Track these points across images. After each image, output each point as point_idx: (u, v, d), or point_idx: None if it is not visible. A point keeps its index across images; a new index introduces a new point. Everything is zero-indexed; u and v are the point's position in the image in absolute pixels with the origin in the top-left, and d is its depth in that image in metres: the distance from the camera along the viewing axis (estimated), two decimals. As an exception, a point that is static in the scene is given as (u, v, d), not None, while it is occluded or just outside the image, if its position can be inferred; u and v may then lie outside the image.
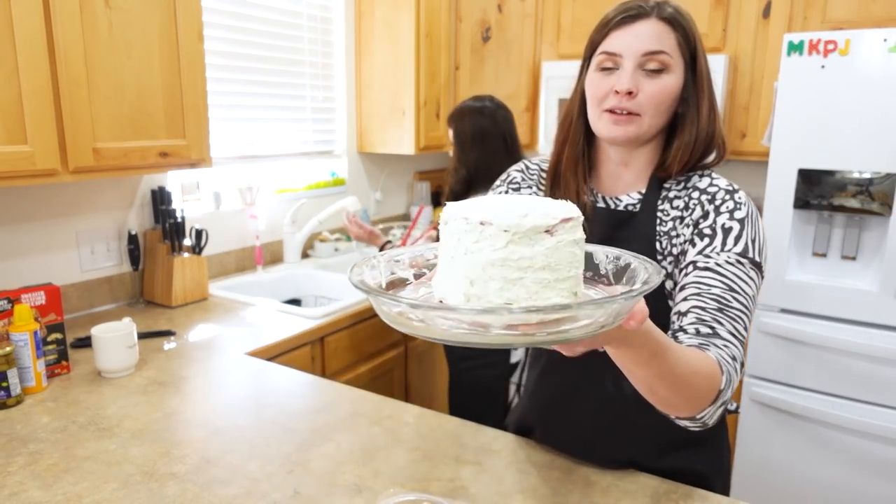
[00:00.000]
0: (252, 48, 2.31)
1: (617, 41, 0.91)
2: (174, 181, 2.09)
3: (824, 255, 1.92)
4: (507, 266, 0.50)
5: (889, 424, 1.80)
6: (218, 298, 2.04)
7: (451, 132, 2.07)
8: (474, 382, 2.05)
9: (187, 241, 1.98)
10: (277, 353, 1.66)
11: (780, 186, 1.90)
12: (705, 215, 0.91)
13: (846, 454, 1.88)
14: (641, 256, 0.61)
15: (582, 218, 0.54)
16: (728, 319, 0.82)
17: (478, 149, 1.99)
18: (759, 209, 2.13)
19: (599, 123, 0.94)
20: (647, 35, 0.89)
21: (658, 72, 0.90)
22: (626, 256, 0.62)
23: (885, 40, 1.69)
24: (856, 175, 1.78)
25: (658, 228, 0.94)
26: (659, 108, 0.91)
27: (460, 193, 1.98)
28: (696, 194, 0.94)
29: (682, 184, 0.96)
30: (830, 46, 1.76)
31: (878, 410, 1.82)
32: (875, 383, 1.83)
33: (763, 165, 2.37)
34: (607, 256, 0.64)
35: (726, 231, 0.88)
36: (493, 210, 0.52)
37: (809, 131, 1.83)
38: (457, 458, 1.06)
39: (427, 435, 1.14)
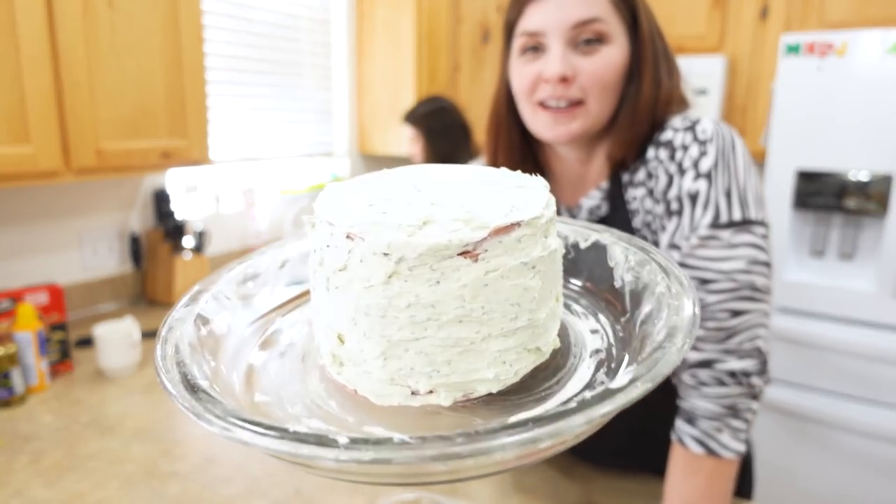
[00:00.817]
0: (253, 49, 2.32)
1: (536, 16, 0.73)
2: (176, 182, 2.10)
3: (822, 256, 1.92)
4: (389, 318, 0.29)
5: (886, 423, 1.80)
6: (219, 298, 2.04)
7: (414, 131, 2.21)
8: None
9: (189, 242, 1.99)
10: (278, 353, 1.67)
11: (778, 187, 1.90)
12: (670, 181, 0.73)
13: (844, 453, 1.89)
14: (676, 269, 0.37)
15: (549, 214, 0.32)
16: (702, 326, 0.68)
17: (445, 142, 2.18)
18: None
19: (535, 122, 0.76)
20: (570, 2, 0.71)
21: (595, 44, 0.72)
22: (652, 268, 0.37)
23: (882, 41, 1.70)
24: (853, 176, 1.78)
25: (635, 224, 0.77)
26: (605, 89, 0.73)
27: None
28: (651, 152, 0.76)
29: (639, 158, 0.80)
30: (827, 47, 1.77)
31: (876, 410, 1.83)
32: (872, 382, 1.83)
33: (761, 166, 2.38)
34: (627, 259, 0.39)
35: (693, 199, 0.71)
36: (376, 211, 0.30)
37: (807, 132, 1.84)
38: (456, 457, 1.07)
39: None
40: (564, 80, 0.71)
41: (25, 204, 1.71)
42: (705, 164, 0.71)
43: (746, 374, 0.70)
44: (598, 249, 0.42)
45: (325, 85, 2.67)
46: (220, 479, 1.00)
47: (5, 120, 1.32)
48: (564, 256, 0.38)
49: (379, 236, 0.28)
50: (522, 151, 0.83)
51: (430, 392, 0.29)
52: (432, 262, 0.28)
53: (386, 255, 0.28)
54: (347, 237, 0.29)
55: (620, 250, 0.40)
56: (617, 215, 0.78)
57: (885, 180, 1.74)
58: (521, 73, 0.75)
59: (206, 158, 1.77)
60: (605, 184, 0.80)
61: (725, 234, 0.69)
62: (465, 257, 0.28)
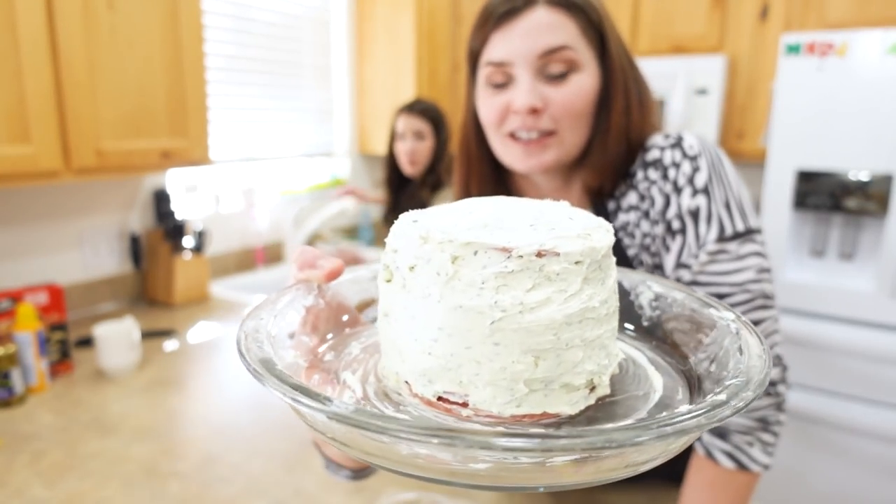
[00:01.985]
0: (254, 50, 2.32)
1: (501, 46, 0.70)
2: (176, 182, 2.10)
3: (822, 256, 1.92)
4: (586, 320, 0.32)
5: (887, 423, 1.80)
6: (219, 298, 2.05)
7: (426, 126, 2.09)
8: None
9: (189, 242, 1.99)
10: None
11: (778, 187, 1.90)
12: (667, 201, 0.72)
13: (844, 453, 1.89)
14: (721, 304, 0.39)
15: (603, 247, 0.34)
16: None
17: (448, 144, 2.13)
18: (756, 208, 2.13)
19: (506, 154, 0.73)
20: (537, 30, 0.68)
21: (563, 75, 0.69)
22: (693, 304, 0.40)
23: (882, 41, 1.70)
24: (853, 176, 1.78)
25: (629, 251, 0.75)
26: (578, 119, 0.71)
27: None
28: (640, 174, 0.74)
29: (621, 181, 0.78)
30: (827, 47, 1.77)
31: (876, 410, 1.83)
32: (872, 382, 1.83)
33: (761, 166, 2.38)
34: (657, 296, 0.43)
35: (694, 216, 0.70)
36: (539, 230, 0.33)
37: (807, 132, 1.84)
38: (456, 457, 1.07)
39: (426, 433, 1.15)
40: (534, 111, 0.69)
41: (25, 204, 1.71)
42: (700, 180, 0.70)
43: (773, 384, 0.71)
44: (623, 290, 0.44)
45: (325, 85, 2.67)
46: (220, 479, 1.00)
47: (5, 120, 1.32)
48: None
49: (570, 246, 0.32)
50: (495, 183, 0.80)
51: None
52: (602, 263, 0.33)
53: (578, 263, 0.32)
54: (538, 255, 0.31)
55: (649, 296, 0.44)
56: None
57: (886, 180, 1.74)
58: (489, 105, 0.72)
59: (206, 158, 1.77)
60: (590, 210, 0.77)
61: (732, 246, 0.69)
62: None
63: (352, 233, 2.89)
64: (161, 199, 1.99)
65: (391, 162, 2.20)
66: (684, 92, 2.16)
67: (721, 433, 0.72)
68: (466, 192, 0.82)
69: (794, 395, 1.94)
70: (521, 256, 0.31)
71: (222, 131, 2.22)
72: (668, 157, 0.72)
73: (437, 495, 0.94)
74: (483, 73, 0.73)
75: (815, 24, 2.06)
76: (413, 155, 2.09)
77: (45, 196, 1.75)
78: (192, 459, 1.06)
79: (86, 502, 0.94)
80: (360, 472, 0.69)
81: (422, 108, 2.11)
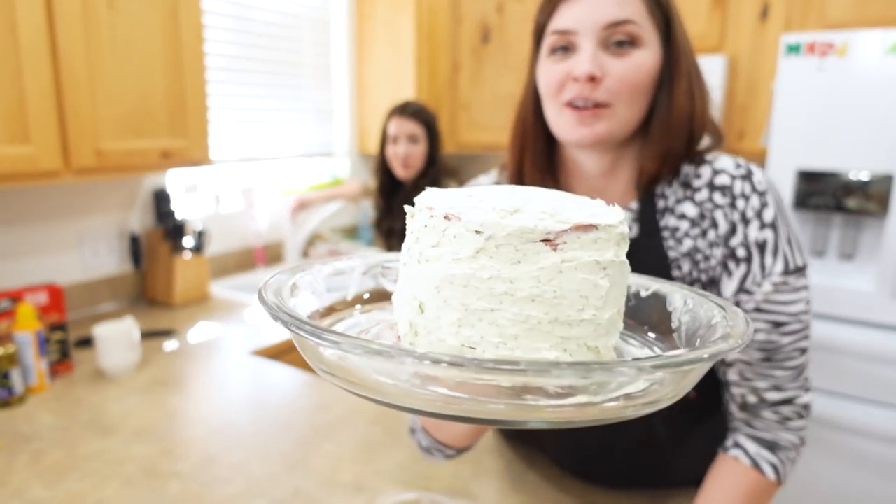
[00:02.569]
0: (253, 50, 2.32)
1: (568, 15, 0.71)
2: (176, 182, 2.10)
3: (822, 256, 1.92)
4: (470, 288, 0.33)
5: (886, 423, 1.80)
6: (219, 298, 2.04)
7: (420, 129, 2.07)
8: None
9: (189, 242, 1.99)
10: (278, 353, 1.67)
11: (779, 187, 1.90)
12: (733, 229, 0.74)
13: (844, 453, 1.89)
14: (726, 302, 0.42)
15: (622, 229, 0.36)
16: (778, 367, 0.74)
17: (440, 147, 2.12)
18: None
19: (560, 123, 0.74)
20: (604, 2, 0.70)
21: (627, 46, 0.70)
22: (710, 307, 0.41)
23: (882, 41, 1.70)
24: (853, 176, 1.78)
25: (670, 253, 0.76)
26: (634, 93, 0.71)
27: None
28: (705, 193, 0.75)
29: (674, 181, 0.78)
30: (828, 47, 1.76)
31: (876, 410, 1.83)
32: (872, 382, 1.83)
33: (761, 166, 2.38)
34: (686, 302, 0.43)
35: (761, 248, 0.73)
36: (473, 200, 0.36)
37: (807, 132, 1.84)
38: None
39: (427, 434, 1.15)
40: (593, 79, 0.70)
41: (25, 204, 1.71)
42: (768, 216, 0.74)
43: (809, 406, 0.77)
44: (658, 298, 0.46)
45: (325, 85, 2.67)
46: (220, 479, 1.00)
47: (5, 120, 1.32)
48: (626, 304, 0.41)
49: (474, 216, 0.33)
50: (547, 161, 0.81)
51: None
52: (517, 244, 0.33)
53: (478, 232, 0.33)
54: (445, 217, 0.34)
55: (680, 297, 0.44)
56: (648, 241, 0.76)
57: (886, 180, 1.74)
58: (549, 72, 0.74)
59: (206, 158, 1.77)
60: (634, 205, 0.78)
61: (792, 279, 0.73)
62: (546, 245, 0.33)
63: (352, 233, 2.89)
64: (161, 199, 1.99)
65: (383, 165, 2.15)
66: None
67: (771, 447, 0.76)
68: (519, 167, 0.83)
69: (794, 396, 1.94)
70: (433, 216, 0.35)
71: (222, 131, 2.22)
72: (739, 187, 0.75)
73: (437, 495, 0.94)
74: (548, 41, 0.74)
75: (815, 24, 2.06)
76: (407, 158, 2.05)
77: (44, 196, 1.75)
78: (192, 459, 1.06)
79: (86, 502, 0.94)
80: (463, 450, 0.80)
81: (414, 111, 2.07)
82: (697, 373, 0.35)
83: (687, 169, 0.77)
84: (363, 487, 0.97)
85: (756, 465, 0.75)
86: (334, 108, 2.74)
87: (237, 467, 1.04)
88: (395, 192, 2.15)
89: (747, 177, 0.75)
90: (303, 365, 1.76)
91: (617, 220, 0.35)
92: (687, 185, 0.77)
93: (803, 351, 0.75)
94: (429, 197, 0.38)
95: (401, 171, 2.08)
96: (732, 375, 0.76)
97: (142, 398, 1.30)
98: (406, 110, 2.07)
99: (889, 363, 1.80)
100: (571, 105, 0.72)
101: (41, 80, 1.37)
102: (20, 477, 1.01)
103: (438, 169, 2.09)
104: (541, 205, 0.34)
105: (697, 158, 0.77)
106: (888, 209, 1.75)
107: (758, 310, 0.74)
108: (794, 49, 1.82)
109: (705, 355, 0.31)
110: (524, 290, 0.33)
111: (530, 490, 0.96)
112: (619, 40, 0.70)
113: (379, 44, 2.68)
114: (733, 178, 0.75)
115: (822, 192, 1.84)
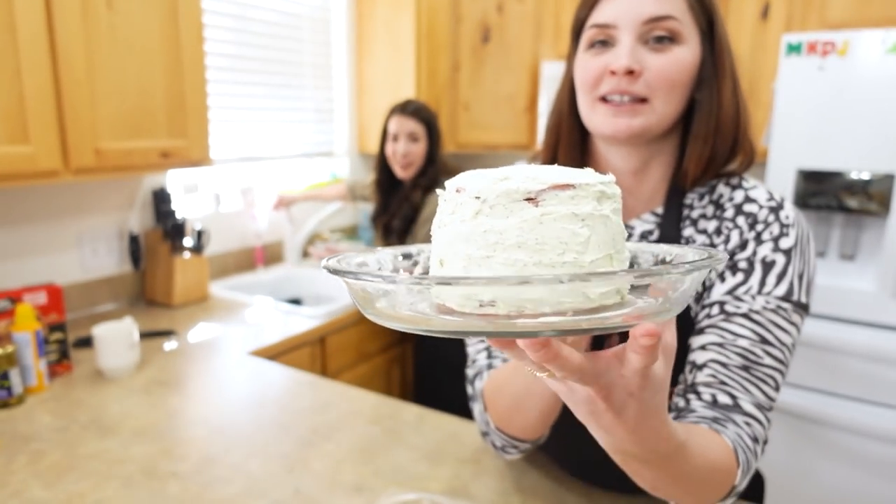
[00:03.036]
0: (253, 49, 2.31)
1: (608, 9, 0.71)
2: (175, 182, 2.10)
3: (823, 256, 1.92)
4: (471, 241, 0.40)
5: (886, 423, 1.80)
6: (218, 298, 2.04)
7: (421, 128, 2.07)
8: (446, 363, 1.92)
9: (188, 241, 1.99)
10: (278, 353, 1.67)
11: (779, 187, 1.90)
12: (743, 245, 0.73)
13: (844, 453, 1.89)
14: (699, 248, 0.44)
15: (600, 187, 0.40)
16: (755, 383, 0.68)
17: (440, 147, 2.12)
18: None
19: (594, 116, 0.73)
20: None
21: (666, 42, 0.70)
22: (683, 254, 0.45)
23: (883, 41, 1.70)
24: (854, 175, 1.78)
25: None
26: (672, 89, 0.70)
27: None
28: (730, 214, 0.75)
29: (706, 196, 0.77)
30: (829, 47, 1.76)
31: (876, 409, 1.83)
32: (873, 382, 1.83)
33: (762, 166, 2.38)
34: (655, 256, 0.49)
35: (767, 266, 0.71)
36: (478, 174, 0.43)
37: (808, 132, 1.84)
38: (456, 457, 1.06)
39: (427, 434, 1.15)
40: (631, 73, 0.69)
41: (24, 204, 1.71)
42: (785, 244, 0.72)
43: (766, 443, 0.71)
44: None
45: (325, 85, 2.67)
46: (220, 479, 1.00)
47: (4, 120, 1.32)
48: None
49: (474, 185, 0.41)
50: (580, 155, 0.81)
51: (492, 303, 0.38)
52: (505, 203, 0.40)
53: (477, 198, 0.40)
54: (456, 191, 0.42)
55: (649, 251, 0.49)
56: None
57: (887, 180, 1.74)
58: (587, 66, 0.73)
59: (205, 158, 1.77)
60: (660, 209, 0.78)
61: (790, 309, 0.70)
62: (529, 202, 0.40)
63: (351, 232, 2.89)
64: (160, 198, 1.98)
65: (382, 163, 2.15)
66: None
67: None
68: (552, 161, 0.83)
69: (794, 395, 1.94)
70: (448, 191, 0.43)
71: (222, 131, 2.22)
72: (763, 215, 0.74)
73: (437, 495, 0.93)
74: (587, 35, 0.74)
75: (815, 23, 2.06)
76: (407, 157, 2.06)
77: (44, 196, 1.75)
78: (192, 459, 1.06)
79: (85, 502, 0.94)
80: (535, 441, 0.80)
81: (414, 109, 2.08)
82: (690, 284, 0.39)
83: (722, 189, 0.77)
84: (363, 487, 0.97)
85: (717, 421, 0.67)
86: (334, 108, 2.74)
87: (237, 467, 1.03)
88: (394, 189, 2.15)
89: (776, 209, 0.74)
90: (303, 365, 1.76)
91: (594, 180, 0.41)
92: (719, 205, 0.76)
93: (776, 387, 0.70)
94: (452, 179, 0.45)
95: (400, 171, 2.08)
96: (703, 377, 0.69)
97: (141, 398, 1.30)
98: (406, 109, 2.08)
99: (889, 363, 1.80)
100: (606, 100, 0.71)
101: (40, 80, 1.37)
102: (19, 477, 1.00)
103: (438, 168, 2.08)
104: (527, 172, 0.41)
105: (734, 182, 0.77)
106: (889, 209, 1.75)
107: (747, 317, 0.69)
108: (794, 49, 1.82)
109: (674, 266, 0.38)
110: (511, 239, 0.39)
111: (530, 490, 0.96)
112: (658, 36, 0.70)
113: (379, 44, 2.68)
114: (761, 207, 0.74)
115: (823, 192, 1.83)
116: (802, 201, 1.87)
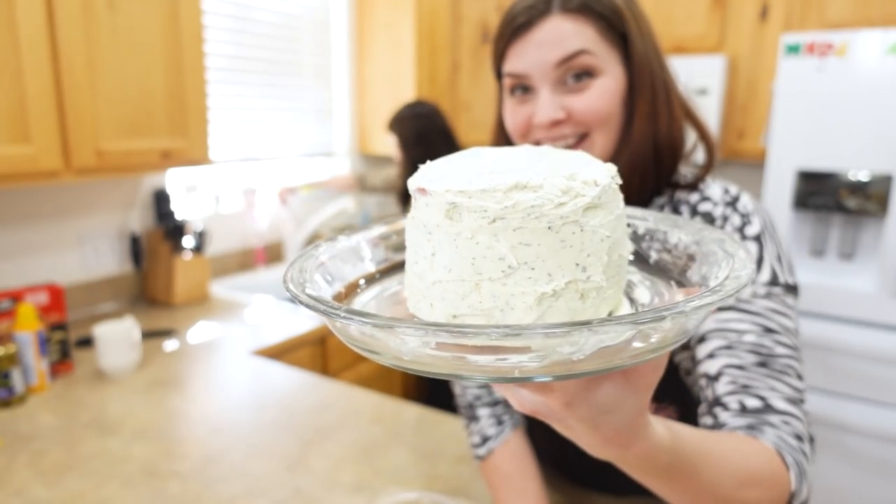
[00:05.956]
0: (254, 50, 2.32)
1: (518, 59, 0.69)
2: (176, 182, 2.10)
3: (822, 256, 1.92)
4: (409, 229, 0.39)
5: (886, 423, 1.81)
6: (219, 298, 2.05)
7: (394, 138, 2.17)
8: None
9: (189, 242, 1.99)
10: (279, 353, 1.67)
11: (778, 187, 1.90)
12: None
13: (844, 453, 1.89)
14: (729, 236, 0.39)
15: (450, 198, 0.34)
16: (777, 377, 0.62)
17: (421, 148, 2.13)
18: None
19: None
20: (552, 40, 0.66)
21: (585, 79, 0.68)
22: (707, 238, 0.40)
23: (882, 41, 1.70)
24: (853, 176, 1.78)
25: None
26: (606, 121, 0.69)
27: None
28: (686, 216, 0.73)
29: (666, 207, 0.75)
30: (827, 48, 1.77)
31: (876, 409, 1.83)
32: (872, 382, 1.83)
33: (761, 166, 2.38)
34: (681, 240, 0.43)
35: None
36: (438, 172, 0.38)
37: (807, 132, 1.84)
38: (457, 457, 1.07)
39: (427, 433, 1.15)
40: (556, 123, 0.68)
41: (25, 204, 1.71)
42: (752, 231, 0.69)
43: (813, 442, 0.66)
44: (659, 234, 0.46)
45: (325, 85, 2.67)
46: (220, 479, 1.00)
47: (6, 120, 1.32)
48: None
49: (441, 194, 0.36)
50: None
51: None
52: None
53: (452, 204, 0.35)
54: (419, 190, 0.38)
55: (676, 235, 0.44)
56: None
57: (886, 180, 1.74)
58: (514, 115, 0.72)
59: (206, 158, 1.77)
60: None
61: (779, 292, 0.67)
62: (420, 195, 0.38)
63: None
64: (161, 199, 1.99)
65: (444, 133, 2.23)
66: (684, 92, 2.16)
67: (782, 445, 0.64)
68: None
69: (794, 395, 1.94)
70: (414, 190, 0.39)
71: (222, 131, 2.22)
72: (720, 211, 0.72)
73: (437, 495, 0.94)
74: (506, 83, 0.72)
75: (815, 24, 2.06)
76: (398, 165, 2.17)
77: (45, 196, 1.75)
78: (192, 459, 1.06)
79: (86, 502, 0.94)
80: None
81: (390, 121, 2.17)
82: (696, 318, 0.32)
83: (679, 195, 0.75)
84: (363, 487, 0.98)
85: (752, 428, 0.60)
86: (334, 108, 2.74)
87: (238, 467, 1.04)
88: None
89: (732, 203, 0.72)
90: (303, 364, 1.76)
91: (443, 189, 0.35)
92: (677, 211, 0.75)
93: (799, 376, 0.64)
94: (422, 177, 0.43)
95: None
96: (723, 386, 0.63)
97: (142, 398, 1.30)
98: (388, 124, 2.19)
99: (889, 363, 1.80)
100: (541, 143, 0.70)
101: (41, 80, 1.37)
102: (20, 476, 1.01)
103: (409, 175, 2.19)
104: (456, 167, 0.38)
105: (692, 185, 0.75)
106: (888, 209, 1.75)
107: (740, 310, 0.66)
108: (793, 49, 1.82)
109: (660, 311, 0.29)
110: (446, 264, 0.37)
111: (530, 490, 0.96)
112: (576, 73, 0.67)
113: (379, 44, 2.68)
114: (716, 204, 0.73)
115: (822, 192, 1.84)
116: (801, 201, 1.87)
